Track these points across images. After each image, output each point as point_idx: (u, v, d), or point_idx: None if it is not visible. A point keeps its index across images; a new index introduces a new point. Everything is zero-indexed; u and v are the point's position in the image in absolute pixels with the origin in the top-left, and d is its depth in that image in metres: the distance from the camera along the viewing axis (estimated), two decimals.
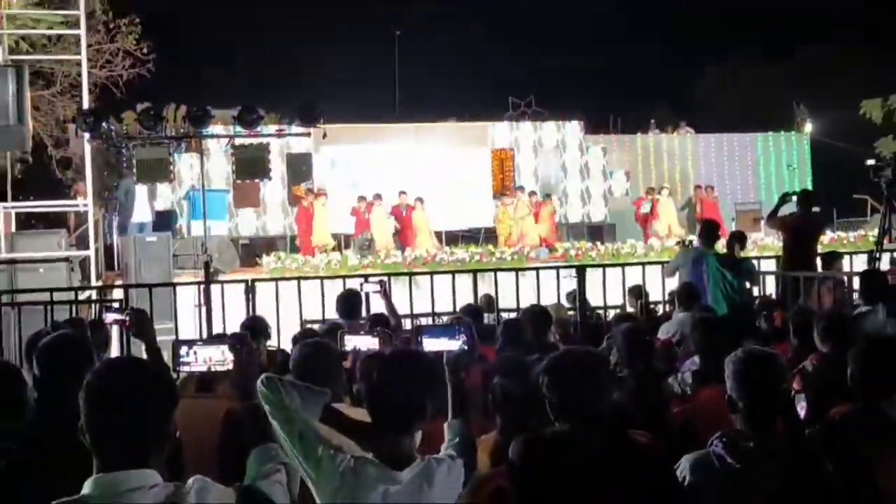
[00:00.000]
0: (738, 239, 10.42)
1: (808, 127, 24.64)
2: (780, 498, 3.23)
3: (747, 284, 9.90)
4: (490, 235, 19.60)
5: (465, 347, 3.77)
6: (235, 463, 3.45)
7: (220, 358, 3.80)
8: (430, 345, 3.70)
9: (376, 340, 4.94)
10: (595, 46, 36.41)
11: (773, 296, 10.42)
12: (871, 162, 11.54)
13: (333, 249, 17.34)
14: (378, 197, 18.19)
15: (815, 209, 11.51)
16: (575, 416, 3.23)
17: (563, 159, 21.41)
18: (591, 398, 3.22)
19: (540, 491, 3.15)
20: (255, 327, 6.33)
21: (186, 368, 4.04)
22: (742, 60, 37.85)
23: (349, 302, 7.46)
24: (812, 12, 35.69)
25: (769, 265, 11.48)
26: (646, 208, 19.98)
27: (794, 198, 11.30)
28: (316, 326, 7.97)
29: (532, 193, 19.71)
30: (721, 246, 10.75)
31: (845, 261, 11.07)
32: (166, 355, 4.24)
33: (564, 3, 36.98)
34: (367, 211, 18.09)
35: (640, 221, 20.04)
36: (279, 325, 8.73)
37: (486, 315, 8.87)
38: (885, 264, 10.26)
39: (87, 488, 2.36)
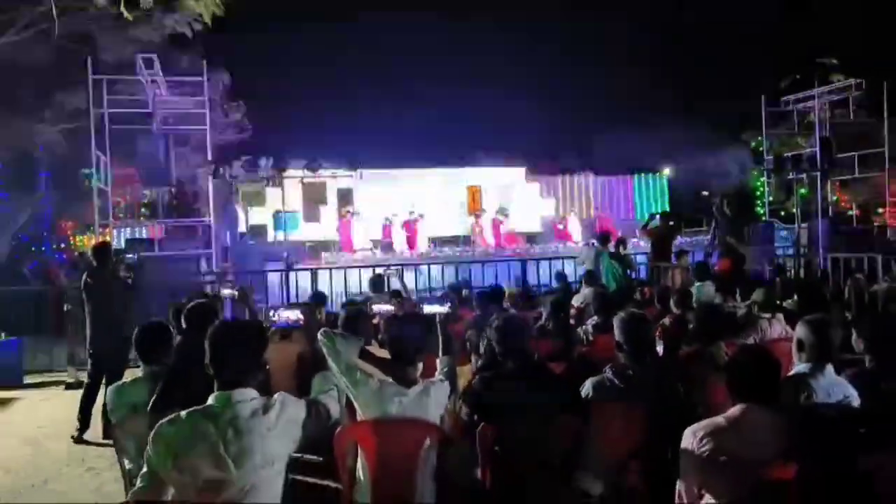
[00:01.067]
0: (622, 242, 10.43)
1: (667, 171, 24.70)
2: (650, 407, 3.24)
3: (628, 271, 9.94)
4: (466, 240, 19.57)
5: (451, 310, 3.79)
6: (304, 385, 3.46)
7: (294, 318, 3.83)
8: (428, 309, 3.71)
9: (392, 306, 4.96)
10: (533, 113, 36.61)
11: (644, 277, 10.47)
12: (705, 193, 11.69)
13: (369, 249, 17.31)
14: (394, 216, 18.18)
15: (671, 223, 11.56)
16: (514, 357, 3.20)
17: (512, 195, 21.39)
18: (525, 348, 3.20)
19: (491, 406, 3.11)
20: (318, 299, 6.33)
21: (273, 324, 4.05)
22: (626, 127, 37.99)
23: (376, 282, 7.46)
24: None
25: (642, 259, 11.52)
26: (561, 225, 20.02)
27: (657, 216, 11.40)
28: (358, 298, 7.95)
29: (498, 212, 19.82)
30: (612, 246, 10.80)
31: (689, 256, 11.13)
32: (261, 316, 4.25)
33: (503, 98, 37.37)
34: (390, 225, 18.12)
35: (556, 233, 20.06)
36: (332, 297, 8.74)
37: (463, 290, 8.88)
38: (714, 259, 10.31)
39: (210, 400, 2.37)
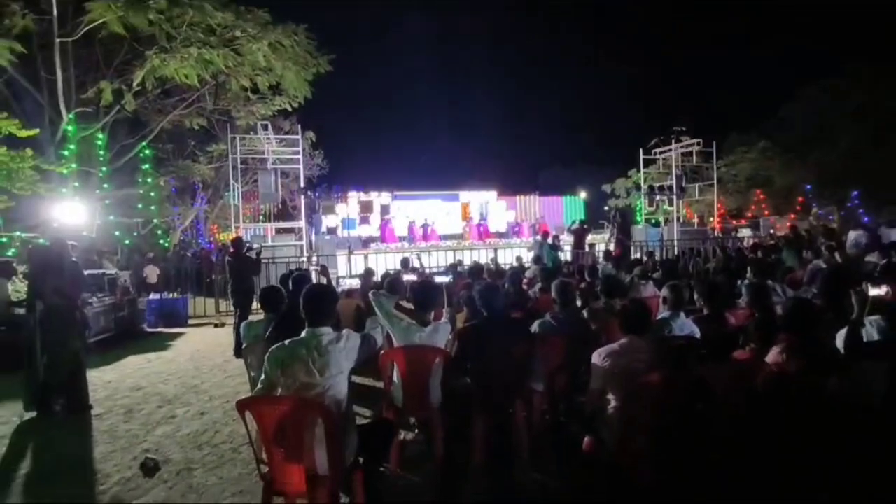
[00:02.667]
0: (556, 238, 10.32)
1: (583, 194, 24.47)
2: (572, 338, 3.22)
3: (560, 255, 9.87)
4: (460, 237, 19.43)
5: (451, 280, 3.76)
6: (361, 325, 3.44)
7: (354, 283, 3.79)
8: (438, 278, 3.69)
9: (414, 276, 4.91)
10: (501, 154, 36.37)
11: (570, 259, 10.39)
12: (607, 208, 11.64)
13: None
14: (413, 222, 18.01)
15: (585, 226, 11.52)
16: (490, 310, 3.09)
17: (488, 207, 21.20)
18: (497, 303, 3.11)
19: (472, 343, 2.98)
20: (368, 272, 6.29)
21: (342, 287, 4.02)
22: (560, 164, 37.68)
23: (404, 262, 7.31)
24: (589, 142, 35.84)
25: (569, 248, 11.46)
26: (517, 228, 19.80)
27: (577, 222, 11.32)
28: (392, 272, 7.89)
29: (479, 220, 19.65)
30: (550, 240, 10.73)
31: (597, 246, 11.07)
32: (334, 283, 4.18)
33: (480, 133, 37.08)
34: (413, 227, 18.00)
35: (515, 232, 19.87)
36: (377, 271, 8.68)
37: (459, 267, 8.80)
38: (612, 247, 10.25)
39: (303, 334, 2.36)
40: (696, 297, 3.45)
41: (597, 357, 2.54)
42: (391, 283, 4.11)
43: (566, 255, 10.86)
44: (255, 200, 18.33)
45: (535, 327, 3.34)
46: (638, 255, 10.16)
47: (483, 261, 9.80)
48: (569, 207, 23.50)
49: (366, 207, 17.13)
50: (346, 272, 9.67)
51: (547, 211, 22.47)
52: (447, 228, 19.66)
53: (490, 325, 3.04)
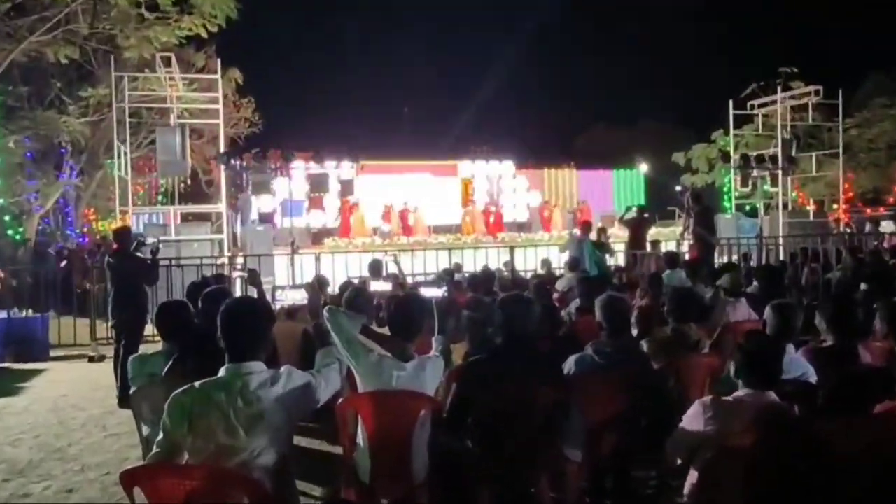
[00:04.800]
0: (602, 232, 10.47)
1: (643, 167, 24.62)
2: (626, 380, 3.26)
3: (608, 257, 9.95)
4: (458, 229, 19.51)
5: (445, 293, 3.78)
6: (309, 360, 3.44)
7: (299, 297, 3.80)
8: (425, 291, 3.71)
9: (389, 286, 4.95)
10: (523, 112, 36.67)
11: (622, 264, 10.48)
12: (678, 188, 11.67)
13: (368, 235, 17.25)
14: (389, 206, 18.14)
15: (646, 215, 11.58)
16: (509, 337, 3.13)
17: (502, 184, 21.32)
18: (522, 326, 3.14)
19: (475, 388, 3.04)
20: (321, 280, 6.32)
21: (280, 303, 4.03)
22: (604, 127, 38.00)
23: (375, 266, 7.43)
24: (650, 96, 36.18)
25: (620, 247, 11.53)
26: (546, 213, 19.90)
27: (634, 208, 11.39)
28: (356, 281, 7.93)
29: (486, 205, 19.75)
30: (593, 235, 10.80)
31: (663, 245, 11.18)
32: (268, 296, 4.22)
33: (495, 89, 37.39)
34: (388, 213, 18.10)
35: (542, 222, 19.97)
36: (333, 280, 8.72)
37: (456, 275, 8.86)
38: (685, 248, 10.34)
39: (222, 372, 2.36)
40: (818, 321, 3.43)
41: (696, 416, 2.51)
42: (355, 297, 4.14)
43: (617, 258, 10.95)
44: (150, 172, 18.25)
45: (569, 365, 3.36)
46: (725, 259, 10.25)
47: (493, 265, 9.85)
48: (621, 187, 23.68)
49: (318, 184, 17.13)
50: (288, 280, 9.68)
51: (589, 192, 22.60)
52: (439, 216, 19.75)
53: (503, 361, 3.04)
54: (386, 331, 3.31)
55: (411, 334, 3.15)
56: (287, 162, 13.42)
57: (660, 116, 35.42)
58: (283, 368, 2.42)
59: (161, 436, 2.29)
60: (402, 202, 18.48)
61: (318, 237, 17.04)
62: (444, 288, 3.81)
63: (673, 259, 7.91)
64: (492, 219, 19.29)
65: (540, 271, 10.04)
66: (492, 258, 10.85)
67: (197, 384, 2.32)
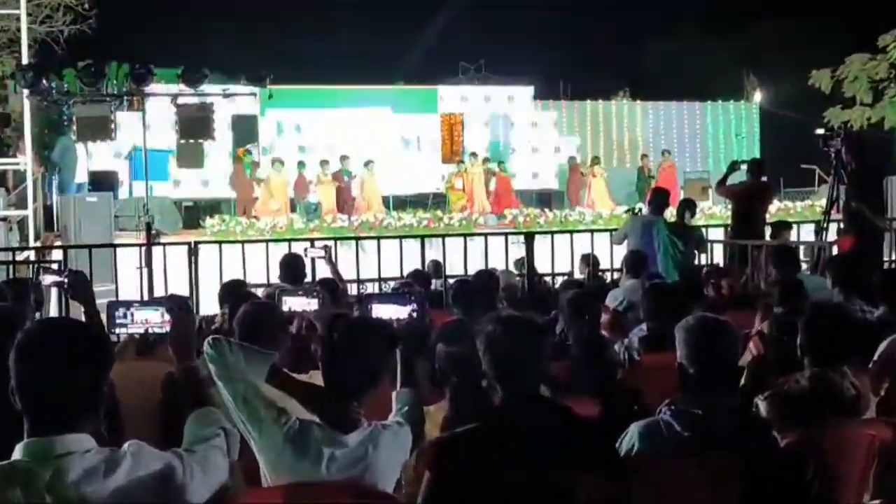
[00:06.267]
0: (688, 206, 10.44)
1: (758, 96, 24.84)
2: (729, 466, 3.25)
3: (695, 252, 9.97)
4: (439, 201, 19.52)
5: (415, 315, 3.75)
6: (175, 427, 3.40)
7: (158, 320, 3.73)
8: (380, 311, 3.67)
9: (315, 301, 4.90)
10: (544, 11, 36.36)
11: (721, 264, 10.50)
12: (820, 131, 11.55)
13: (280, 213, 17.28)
14: (326, 163, 18.13)
15: (764, 178, 11.56)
16: (509, 385, 3.12)
17: (513, 125, 21.40)
18: (527, 366, 3.13)
19: (464, 479, 2.99)
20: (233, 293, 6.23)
21: (122, 330, 3.95)
22: (692, 32, 38.04)
23: (292, 266, 7.38)
24: None
25: (717, 234, 11.57)
26: (589, 176, 19.97)
27: (743, 166, 11.35)
28: (260, 291, 7.88)
29: (486, 160, 19.73)
30: (671, 214, 10.80)
31: (794, 231, 11.17)
32: (104, 318, 4.17)
33: None
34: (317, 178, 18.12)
35: (575, 190, 20.08)
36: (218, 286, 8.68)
37: (434, 281, 8.84)
38: (831, 234, 10.34)
39: (17, 453, 2.32)
40: None
41: None
42: (257, 319, 4.15)
43: (712, 252, 10.98)
44: None
45: (630, 439, 3.37)
46: None
47: (498, 264, 9.81)
48: (719, 130, 23.78)
49: (195, 124, 17.01)
50: (141, 290, 9.61)
51: (664, 140, 22.66)
52: (406, 182, 20.04)
53: (510, 434, 3.02)
54: (314, 377, 3.26)
55: (356, 385, 3.16)
56: (140, 84, 13.32)
57: (784, 14, 35.55)
58: (127, 446, 2.40)
59: None
60: (340, 157, 18.47)
61: (194, 216, 17.00)
62: (412, 305, 3.76)
63: (788, 256, 7.90)
64: (492, 183, 19.38)
65: (578, 275, 10.01)
66: (496, 252, 10.83)
67: None
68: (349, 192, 18.26)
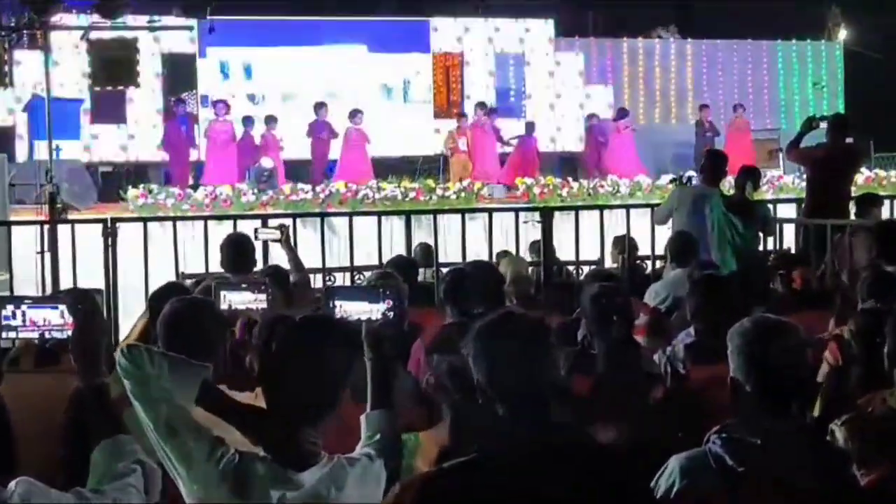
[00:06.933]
0: (750, 176, 10.43)
1: (843, 34, 24.78)
2: None
3: (760, 234, 9.97)
4: (431, 167, 19.46)
5: (391, 314, 3.74)
6: (83, 458, 3.40)
7: (58, 321, 3.71)
8: (347, 310, 3.66)
9: (262, 297, 4.90)
10: None
11: (793, 249, 10.51)
12: None
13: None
14: (273, 120, 18.08)
15: (849, 139, 11.55)
16: (505, 400, 3.11)
17: (528, 68, 21.37)
18: (531, 380, 3.11)
19: None
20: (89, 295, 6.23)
21: (11, 334, 3.95)
22: None
23: (238, 251, 7.40)
24: None
25: (789, 210, 11.57)
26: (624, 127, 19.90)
27: (823, 124, 11.35)
28: (190, 283, 7.88)
29: (491, 111, 19.64)
30: (729, 185, 10.79)
31: (885, 208, 11.17)
32: None
33: None
34: (269, 137, 18.08)
35: (587, 154, 20.12)
36: (148, 279, 8.67)
37: (421, 270, 8.84)
38: None
39: None
40: None
41: None
42: (187, 319, 4.18)
43: (785, 232, 10.97)
44: None
45: (673, 472, 3.38)
46: None
47: (506, 245, 9.79)
48: (792, 76, 23.68)
49: (115, 65, 17.05)
50: (39, 283, 9.62)
51: (721, 89, 22.58)
52: (388, 143, 19.91)
53: (515, 470, 3.03)
54: (262, 397, 3.31)
55: (317, 410, 3.16)
56: (43, 14, 13.30)
57: None
58: (13, 484, 2.41)
59: None
60: (315, 105, 18.48)
61: (112, 185, 17.01)
62: (387, 302, 3.77)
63: (884, 236, 7.88)
64: (498, 144, 19.37)
65: (609, 264, 10.01)
66: (503, 235, 10.83)
67: None
68: (320, 155, 18.28)
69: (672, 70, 22.98)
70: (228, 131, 18.04)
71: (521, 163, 18.95)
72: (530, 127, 19.78)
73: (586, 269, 9.95)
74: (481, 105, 19.80)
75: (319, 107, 18.54)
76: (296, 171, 18.29)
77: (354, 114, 18.57)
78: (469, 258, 8.94)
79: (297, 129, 18.31)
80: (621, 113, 20.35)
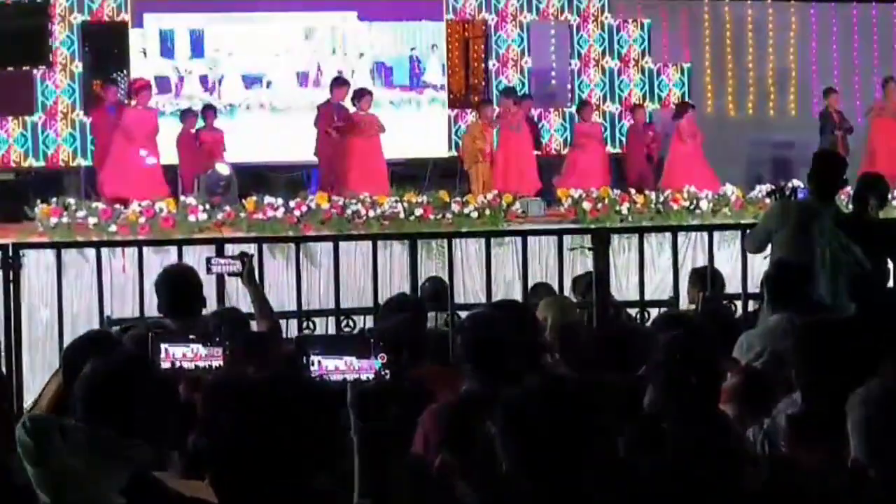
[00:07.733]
0: (873, 188, 10.41)
1: None
2: None
3: (890, 265, 9.96)
4: (446, 173, 19.50)
5: (387, 373, 3.76)
6: None
7: None
8: (328, 367, 3.68)
9: (218, 352, 4.92)
10: None
11: None
12: None
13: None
14: (211, 108, 18.13)
15: None
16: (543, 497, 3.17)
17: (574, 39, 21.46)
18: (572, 463, 3.17)
19: None
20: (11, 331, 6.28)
21: None
22: None
23: (180, 290, 7.42)
24: None
25: None
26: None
27: None
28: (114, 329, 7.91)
29: (524, 98, 19.68)
30: (844, 197, 10.80)
31: None
32: None
33: None
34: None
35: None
36: (62, 323, 8.71)
37: (431, 315, 8.86)
38: None
39: None
40: None
41: None
42: (113, 379, 4.12)
43: None
44: None
45: None
46: None
47: (544, 282, 9.83)
48: None
49: (15, 44, 17.24)
50: None
51: (834, 66, 22.62)
52: (387, 141, 19.86)
53: None
54: (208, 489, 3.30)
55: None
56: None
57: None
58: None
59: None
60: (270, 96, 18.62)
61: (16, 198, 17.19)
62: (385, 357, 3.80)
63: None
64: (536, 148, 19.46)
65: (686, 305, 10.02)
66: (541, 267, 10.87)
67: None
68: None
69: (769, 43, 22.98)
70: (150, 123, 17.84)
71: (584, 167, 18.99)
72: (584, 109, 19.77)
73: (654, 312, 9.96)
74: (510, 91, 19.81)
75: (341, 84, 18.65)
76: (260, 178, 18.39)
77: (361, 95, 18.59)
78: (495, 298, 8.99)
79: (264, 124, 18.38)
80: (681, 109, 20.22)
